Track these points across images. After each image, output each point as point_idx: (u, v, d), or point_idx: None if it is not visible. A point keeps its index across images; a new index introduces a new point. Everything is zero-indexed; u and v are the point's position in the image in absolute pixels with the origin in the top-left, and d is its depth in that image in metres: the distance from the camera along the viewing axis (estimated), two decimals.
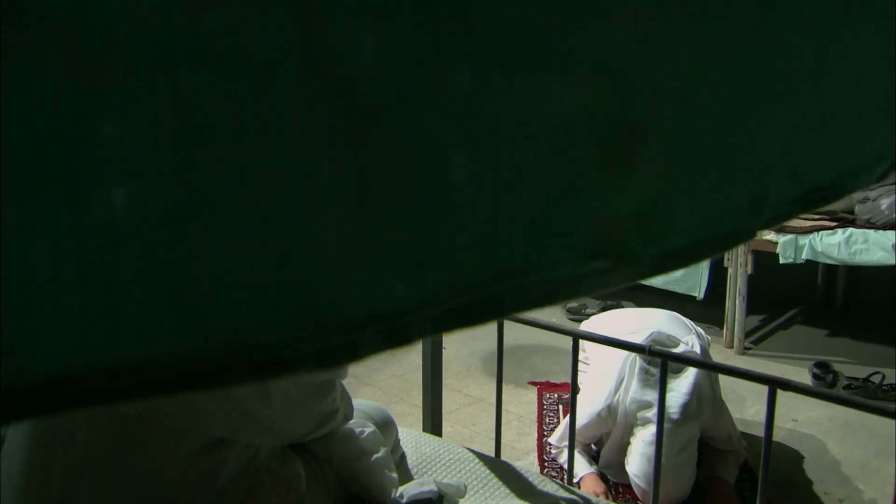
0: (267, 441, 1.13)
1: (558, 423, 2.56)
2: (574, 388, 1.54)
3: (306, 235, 0.28)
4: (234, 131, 0.24)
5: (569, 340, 1.54)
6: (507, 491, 1.38)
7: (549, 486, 1.39)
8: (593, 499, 1.33)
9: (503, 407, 1.85)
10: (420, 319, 0.32)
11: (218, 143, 0.24)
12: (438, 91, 0.30)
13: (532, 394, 2.91)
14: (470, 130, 0.33)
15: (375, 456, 1.30)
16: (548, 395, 2.88)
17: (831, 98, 0.61)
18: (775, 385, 1.12)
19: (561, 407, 2.78)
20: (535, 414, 2.74)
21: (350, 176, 0.28)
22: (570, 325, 1.51)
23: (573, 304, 3.98)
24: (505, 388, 1.91)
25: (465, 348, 3.42)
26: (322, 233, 0.28)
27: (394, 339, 0.31)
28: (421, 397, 1.97)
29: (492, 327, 3.60)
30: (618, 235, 0.42)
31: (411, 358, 3.29)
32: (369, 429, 1.35)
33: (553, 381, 3.02)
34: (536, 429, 2.63)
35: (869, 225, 3.13)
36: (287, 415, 1.14)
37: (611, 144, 0.42)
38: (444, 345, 2.15)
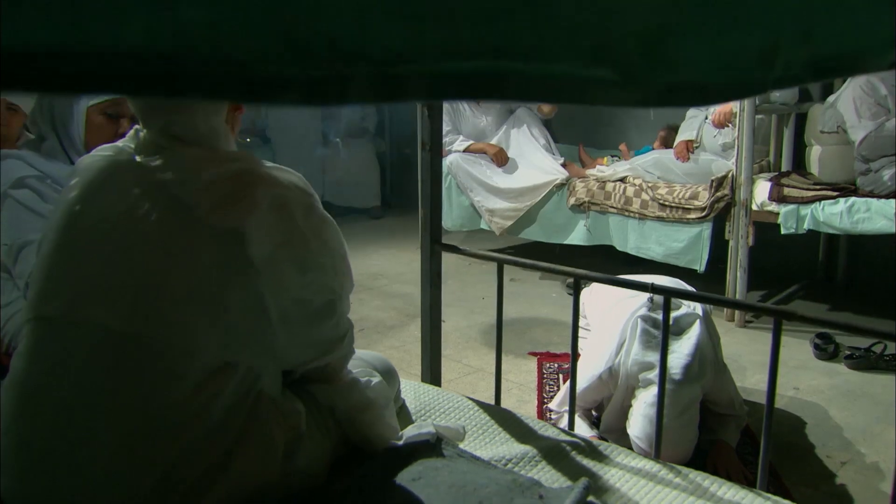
0: (267, 364, 1.11)
1: (558, 390, 2.54)
2: (575, 333, 1.52)
3: None
4: None
5: (568, 314, 1.52)
6: (508, 436, 1.36)
7: (550, 431, 1.37)
8: (595, 441, 1.31)
9: (503, 376, 1.83)
10: (415, 73, 0.29)
11: None
12: None
13: (532, 364, 2.90)
14: None
15: (380, 408, 1.27)
16: (548, 365, 2.87)
17: None
18: (781, 315, 1.10)
19: (561, 376, 2.77)
20: (535, 383, 2.73)
21: None
22: (570, 301, 1.49)
23: (572, 280, 3.95)
24: (505, 358, 1.89)
25: (464, 321, 3.40)
26: None
27: (386, 86, 0.29)
28: (420, 368, 1.95)
29: (491, 301, 3.57)
30: (622, 48, 0.41)
31: (410, 330, 3.28)
32: (375, 378, 1.32)
33: (553, 351, 3.00)
34: (536, 396, 2.61)
35: (871, 196, 3.11)
36: (287, 338, 1.11)
37: None
38: (443, 318, 2.13)
